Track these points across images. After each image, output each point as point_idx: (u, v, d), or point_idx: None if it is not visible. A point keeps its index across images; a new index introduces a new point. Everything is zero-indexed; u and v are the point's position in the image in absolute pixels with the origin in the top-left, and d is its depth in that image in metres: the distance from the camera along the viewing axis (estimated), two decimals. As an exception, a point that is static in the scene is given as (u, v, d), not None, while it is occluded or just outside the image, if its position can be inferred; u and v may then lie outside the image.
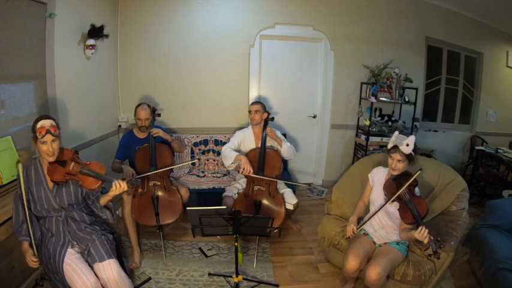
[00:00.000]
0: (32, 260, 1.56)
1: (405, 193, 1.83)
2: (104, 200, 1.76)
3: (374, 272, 1.74)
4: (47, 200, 1.62)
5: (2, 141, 1.77)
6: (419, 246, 2.00)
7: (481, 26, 4.17)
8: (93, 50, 2.78)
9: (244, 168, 2.45)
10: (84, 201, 1.79)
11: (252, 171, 2.45)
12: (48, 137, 1.56)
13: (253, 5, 3.57)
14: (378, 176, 2.09)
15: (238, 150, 2.71)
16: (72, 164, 1.65)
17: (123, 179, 1.72)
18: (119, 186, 1.66)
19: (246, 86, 3.73)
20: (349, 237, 2.00)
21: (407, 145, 1.84)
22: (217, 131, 3.65)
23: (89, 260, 1.63)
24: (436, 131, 4.37)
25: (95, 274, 1.60)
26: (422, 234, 1.63)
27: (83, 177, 1.65)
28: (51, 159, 1.61)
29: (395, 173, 1.93)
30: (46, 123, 1.57)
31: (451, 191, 2.24)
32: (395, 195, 1.84)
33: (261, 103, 2.74)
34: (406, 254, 1.96)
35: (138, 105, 2.62)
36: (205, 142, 3.53)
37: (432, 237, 1.62)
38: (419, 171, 1.84)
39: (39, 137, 1.55)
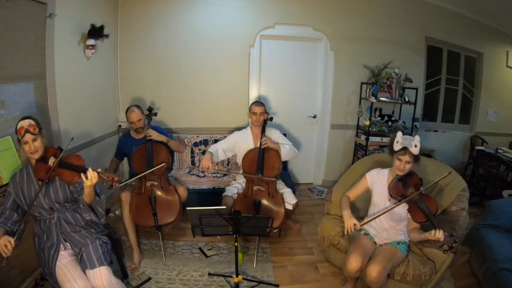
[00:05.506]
0: (7, 244, 1.46)
1: (413, 192, 1.83)
2: (84, 194, 1.69)
3: (375, 271, 1.75)
4: (36, 199, 1.64)
5: (2, 141, 1.77)
6: (433, 244, 1.92)
7: (481, 26, 4.17)
8: (93, 50, 2.78)
9: (202, 163, 2.46)
10: (76, 201, 1.77)
11: (210, 166, 2.44)
12: (28, 137, 1.60)
13: (253, 5, 3.58)
14: (380, 179, 2.05)
15: (231, 151, 2.76)
16: (52, 159, 1.66)
17: (98, 171, 1.64)
18: (90, 176, 1.58)
19: (246, 86, 3.73)
20: (347, 233, 1.92)
21: (415, 146, 1.84)
22: (217, 131, 3.65)
23: (81, 265, 1.62)
24: (436, 131, 4.37)
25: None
26: (438, 235, 1.62)
27: (60, 171, 1.64)
28: (36, 156, 1.64)
29: (401, 173, 1.92)
30: (24, 123, 1.61)
31: (451, 191, 2.24)
32: (408, 198, 1.82)
33: (263, 104, 2.73)
34: (406, 253, 1.96)
35: (127, 110, 2.58)
36: (205, 142, 3.53)
37: (446, 233, 1.62)
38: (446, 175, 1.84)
39: (20, 137, 1.59)
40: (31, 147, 1.61)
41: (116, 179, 1.71)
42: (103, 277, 1.58)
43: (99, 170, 1.64)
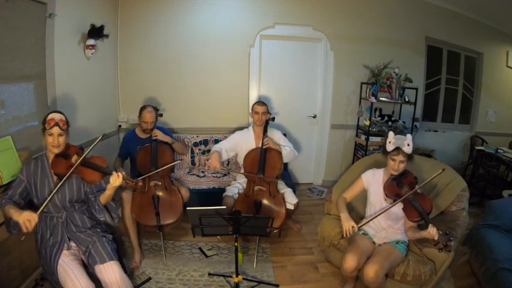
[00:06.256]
0: (30, 219, 1.44)
1: (408, 192, 1.83)
2: (104, 196, 1.73)
3: (372, 270, 1.75)
4: (49, 194, 1.63)
5: (2, 141, 1.77)
6: (430, 242, 1.88)
7: (481, 26, 4.18)
8: (93, 50, 2.77)
9: (211, 163, 2.40)
10: (86, 202, 1.78)
11: (218, 166, 2.42)
12: (55, 130, 1.63)
13: (253, 5, 3.58)
14: (375, 179, 2.06)
15: (233, 151, 2.75)
16: (75, 156, 1.69)
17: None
18: (116, 177, 1.64)
19: (246, 86, 3.73)
20: (346, 235, 1.91)
21: (408, 145, 1.84)
22: (217, 131, 3.65)
23: (90, 261, 1.62)
24: (436, 131, 4.37)
25: (97, 276, 1.59)
26: (432, 233, 1.63)
27: (83, 170, 1.67)
28: (56, 150, 1.66)
29: (396, 173, 1.92)
30: (56, 116, 1.66)
31: (451, 191, 2.23)
32: (402, 198, 1.82)
33: (265, 104, 2.73)
34: (405, 253, 1.96)
35: (144, 108, 2.60)
36: (205, 142, 3.53)
37: (441, 232, 1.62)
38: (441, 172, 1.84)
39: (47, 128, 1.63)
40: (55, 140, 1.64)
41: (140, 184, 1.77)
42: (115, 271, 1.59)
43: (123, 173, 1.68)
